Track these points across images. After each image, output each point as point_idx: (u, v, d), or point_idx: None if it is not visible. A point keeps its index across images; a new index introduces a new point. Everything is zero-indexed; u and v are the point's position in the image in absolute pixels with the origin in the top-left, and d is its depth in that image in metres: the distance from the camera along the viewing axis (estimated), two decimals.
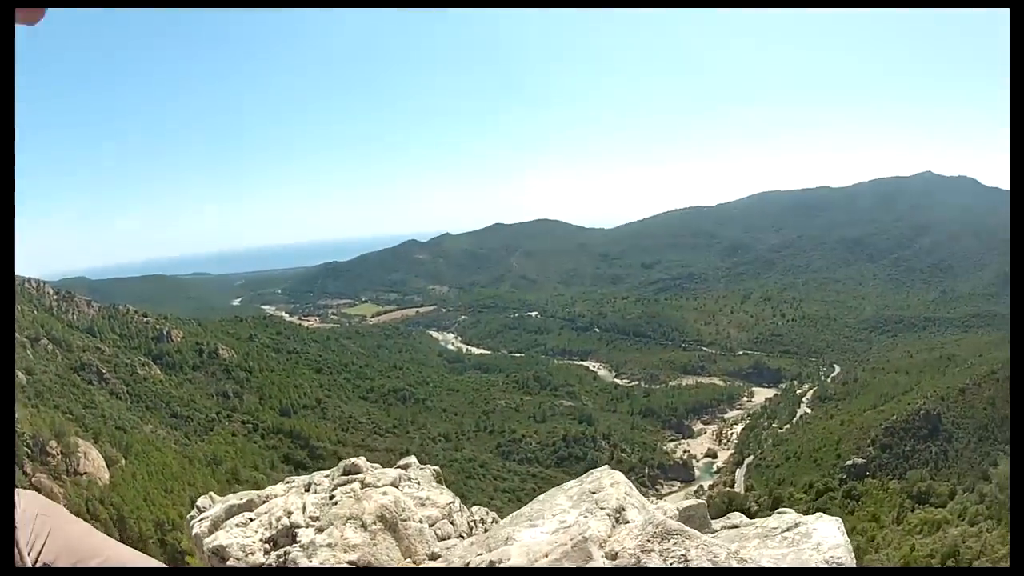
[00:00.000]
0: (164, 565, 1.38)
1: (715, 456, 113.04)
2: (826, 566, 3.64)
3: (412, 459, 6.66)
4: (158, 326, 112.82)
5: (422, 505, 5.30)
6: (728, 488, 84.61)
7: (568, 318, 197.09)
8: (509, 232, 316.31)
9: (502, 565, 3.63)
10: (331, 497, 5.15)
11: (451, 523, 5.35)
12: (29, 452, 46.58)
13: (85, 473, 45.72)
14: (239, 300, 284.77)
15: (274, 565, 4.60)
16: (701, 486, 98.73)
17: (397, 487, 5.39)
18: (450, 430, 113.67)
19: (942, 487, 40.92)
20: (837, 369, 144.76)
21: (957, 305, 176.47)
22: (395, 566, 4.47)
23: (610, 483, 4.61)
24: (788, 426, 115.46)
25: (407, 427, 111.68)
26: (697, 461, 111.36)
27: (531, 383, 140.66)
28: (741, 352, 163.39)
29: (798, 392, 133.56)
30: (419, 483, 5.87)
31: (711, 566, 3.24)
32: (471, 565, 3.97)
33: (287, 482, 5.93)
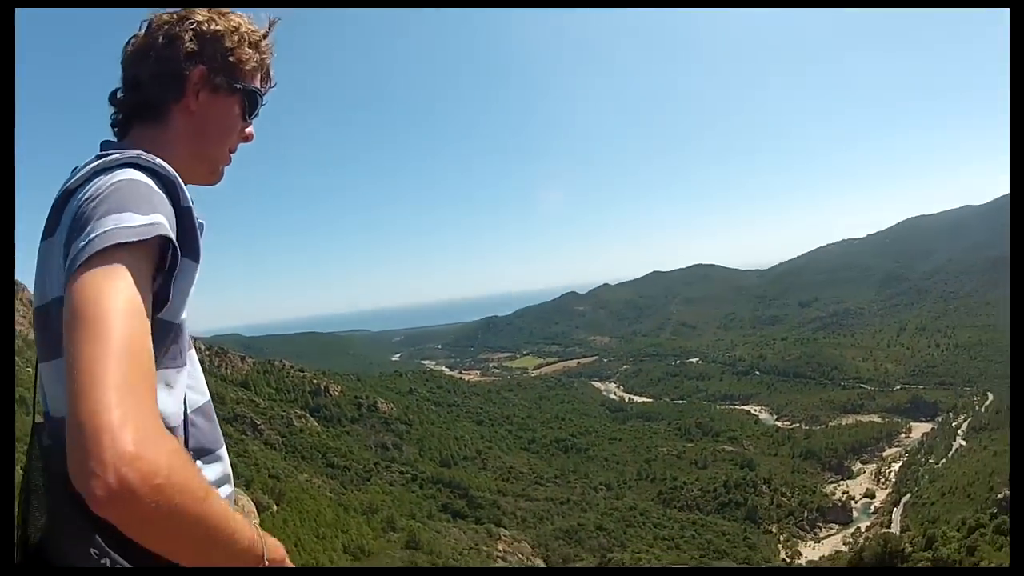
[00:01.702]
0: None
1: (873, 496, 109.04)
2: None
3: None
4: (315, 381, 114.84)
5: None
6: (884, 529, 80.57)
7: (729, 363, 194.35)
8: (667, 280, 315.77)
9: None
10: None
11: None
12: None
13: None
14: (398, 356, 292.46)
15: None
16: (858, 528, 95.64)
17: None
18: (612, 479, 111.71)
19: None
20: (991, 397, 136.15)
21: None
22: None
23: None
24: (944, 461, 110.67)
25: (568, 477, 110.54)
26: (856, 502, 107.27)
27: (693, 430, 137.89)
28: (898, 387, 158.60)
29: (953, 424, 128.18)
30: None
31: None
32: None
33: None
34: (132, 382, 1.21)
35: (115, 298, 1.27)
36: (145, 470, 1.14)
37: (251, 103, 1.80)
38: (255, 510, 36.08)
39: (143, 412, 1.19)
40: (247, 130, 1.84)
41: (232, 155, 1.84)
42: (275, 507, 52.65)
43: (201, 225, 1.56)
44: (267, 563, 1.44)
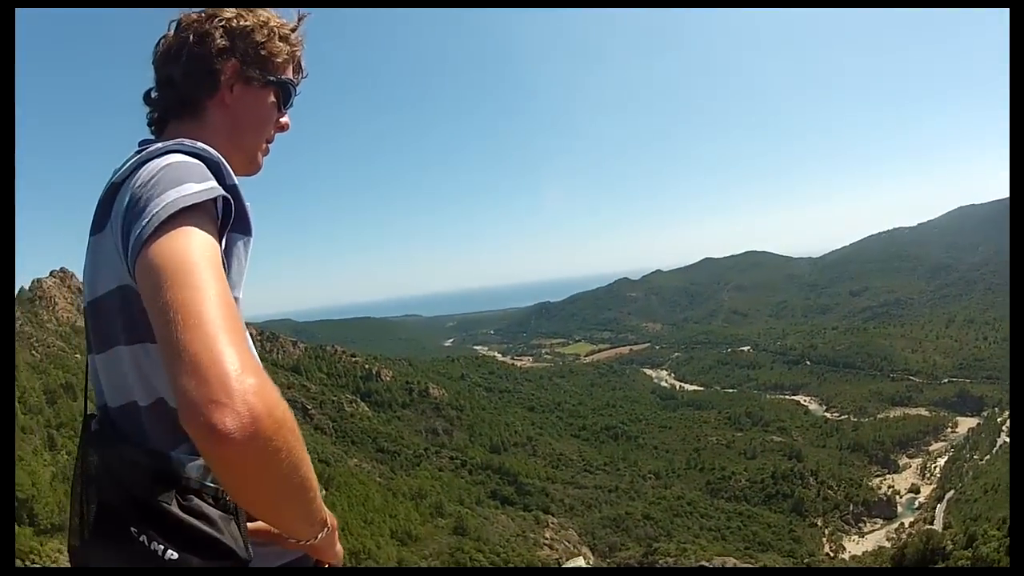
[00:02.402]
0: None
1: (918, 492, 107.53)
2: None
3: (579, 562, 5.99)
4: (367, 365, 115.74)
5: None
6: (928, 526, 79.54)
7: (780, 351, 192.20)
8: (718, 267, 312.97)
9: None
10: None
11: None
12: None
13: None
14: (451, 341, 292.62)
15: None
16: (902, 524, 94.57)
17: None
18: (660, 467, 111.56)
19: None
20: None
21: None
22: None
23: None
24: (988, 457, 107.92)
25: (618, 464, 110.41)
26: (901, 497, 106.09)
27: (743, 419, 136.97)
28: (946, 380, 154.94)
29: (999, 420, 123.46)
30: None
31: None
32: None
33: None
34: (234, 324, 1.24)
35: (197, 252, 1.30)
36: (271, 402, 1.17)
37: (285, 94, 1.85)
38: None
39: (250, 350, 1.25)
40: (283, 120, 1.89)
41: (270, 145, 1.89)
42: (323, 491, 53.37)
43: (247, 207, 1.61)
44: (329, 528, 1.51)
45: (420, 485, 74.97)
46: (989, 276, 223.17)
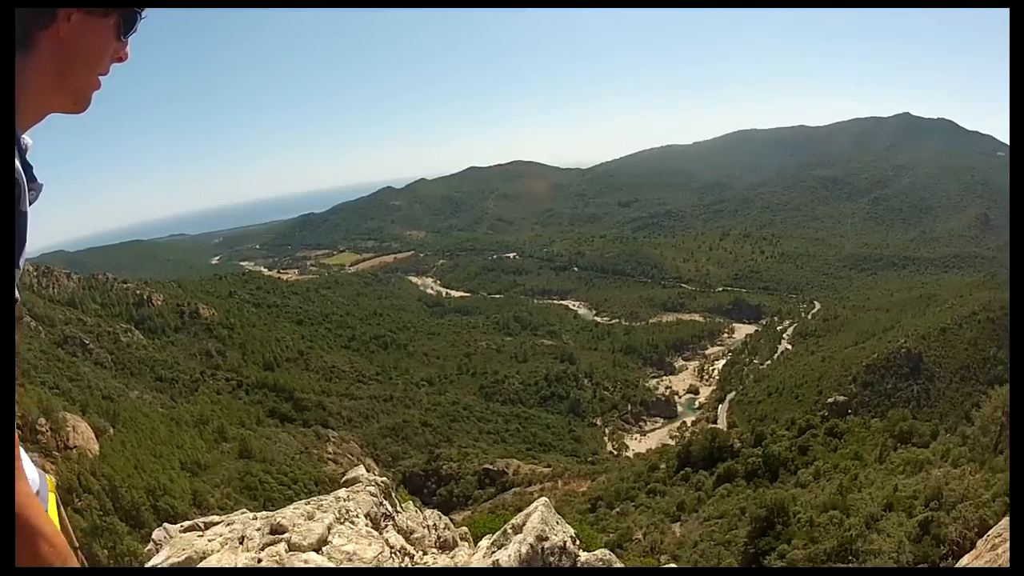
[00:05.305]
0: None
1: (697, 392, 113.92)
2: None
3: (360, 471, 6.33)
4: (138, 291, 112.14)
5: (349, 560, 4.83)
6: (711, 425, 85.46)
7: (546, 258, 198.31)
8: (484, 175, 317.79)
9: None
10: (259, 561, 4.69)
11: None
12: (20, 433, 45.78)
13: (75, 447, 45.53)
14: (217, 258, 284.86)
15: None
16: (684, 422, 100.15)
17: (327, 540, 4.92)
18: (433, 374, 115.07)
19: (924, 427, 40.19)
20: (817, 306, 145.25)
21: (936, 245, 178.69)
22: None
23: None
24: (769, 362, 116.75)
25: (390, 373, 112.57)
26: (679, 397, 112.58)
27: (512, 324, 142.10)
28: (721, 289, 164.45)
29: (779, 328, 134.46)
30: (356, 519, 5.33)
31: None
32: None
33: (227, 524, 5.38)
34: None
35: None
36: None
37: (127, 21, 1.71)
38: (94, 436, 37.56)
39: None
40: (122, 51, 1.76)
41: (103, 78, 1.76)
42: (111, 430, 52.94)
43: (26, 148, 1.61)
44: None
45: (201, 411, 74.22)
46: (766, 196, 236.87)
